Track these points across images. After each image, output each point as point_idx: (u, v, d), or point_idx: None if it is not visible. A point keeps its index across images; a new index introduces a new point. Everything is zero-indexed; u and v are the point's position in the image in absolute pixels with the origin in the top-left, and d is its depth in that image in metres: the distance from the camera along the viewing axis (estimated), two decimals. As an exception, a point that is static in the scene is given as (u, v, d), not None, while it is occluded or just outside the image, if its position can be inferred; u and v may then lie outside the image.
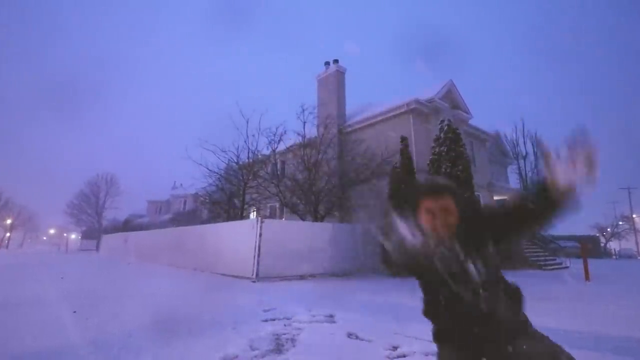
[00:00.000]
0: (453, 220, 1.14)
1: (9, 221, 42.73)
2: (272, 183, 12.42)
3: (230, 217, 13.22)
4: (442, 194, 1.17)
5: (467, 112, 14.17)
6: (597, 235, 31.72)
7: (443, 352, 1.26)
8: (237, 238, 8.87)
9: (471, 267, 1.09)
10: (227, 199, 13.77)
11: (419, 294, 1.31)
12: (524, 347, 1.10)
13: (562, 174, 0.96)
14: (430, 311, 1.24)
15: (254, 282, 7.66)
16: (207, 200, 14.98)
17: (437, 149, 10.31)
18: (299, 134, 12.47)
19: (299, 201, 11.74)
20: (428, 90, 13.51)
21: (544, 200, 1.02)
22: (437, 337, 1.25)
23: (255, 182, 13.06)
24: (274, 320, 3.92)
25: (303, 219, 11.48)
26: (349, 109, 15.58)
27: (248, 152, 12.91)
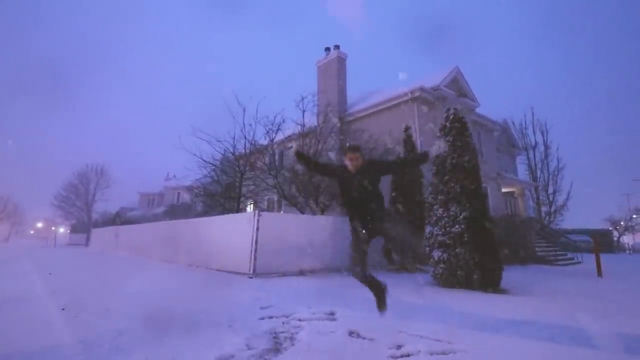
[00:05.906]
0: (360, 163, 3.03)
1: (-6, 214, 41.65)
2: (270, 174, 11.93)
3: (226, 210, 12.73)
4: (355, 151, 3.03)
5: (474, 100, 13.70)
6: (610, 229, 30.18)
7: (352, 223, 3.10)
8: (233, 232, 8.45)
9: (366, 182, 2.98)
10: (222, 191, 13.26)
11: (424, 291, 2.87)
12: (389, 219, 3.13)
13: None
14: (346, 202, 3.15)
15: (250, 277, 7.29)
16: (201, 193, 14.48)
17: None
18: (298, 123, 11.95)
19: (298, 193, 11.28)
20: (433, 77, 13.01)
21: (417, 162, 3.88)
22: (350, 217, 3.14)
23: (253, 173, 12.56)
24: (271, 317, 3.73)
25: (302, 212, 11.04)
26: (351, 97, 15.08)
27: (245, 142, 12.36)
